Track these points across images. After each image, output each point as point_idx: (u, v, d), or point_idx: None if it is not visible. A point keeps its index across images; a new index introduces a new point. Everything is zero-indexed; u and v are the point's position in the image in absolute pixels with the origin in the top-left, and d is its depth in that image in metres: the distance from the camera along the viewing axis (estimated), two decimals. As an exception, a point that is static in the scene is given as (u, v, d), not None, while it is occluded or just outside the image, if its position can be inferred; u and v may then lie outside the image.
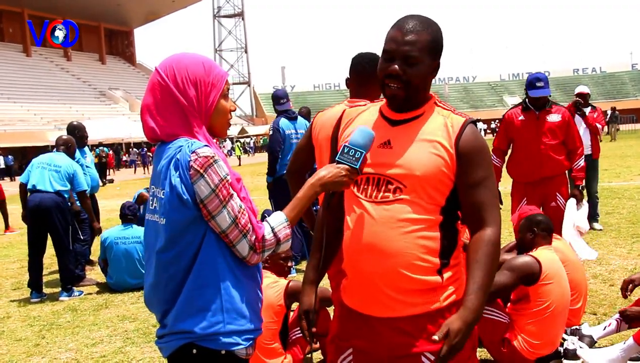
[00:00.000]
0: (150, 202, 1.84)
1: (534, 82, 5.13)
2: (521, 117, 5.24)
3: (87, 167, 7.19)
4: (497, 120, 48.41)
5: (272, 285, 3.35)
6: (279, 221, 1.83)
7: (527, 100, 5.28)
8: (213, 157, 1.72)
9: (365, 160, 1.85)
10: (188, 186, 1.71)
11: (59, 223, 6.16)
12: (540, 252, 3.61)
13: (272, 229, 1.80)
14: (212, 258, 1.74)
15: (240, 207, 1.75)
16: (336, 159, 1.88)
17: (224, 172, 1.73)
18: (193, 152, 1.71)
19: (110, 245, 6.42)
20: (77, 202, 6.68)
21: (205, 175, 1.70)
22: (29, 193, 6.23)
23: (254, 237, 1.76)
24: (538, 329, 3.48)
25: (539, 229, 3.81)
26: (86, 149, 7.54)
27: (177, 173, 1.71)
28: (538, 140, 5.12)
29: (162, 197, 1.75)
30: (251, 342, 1.82)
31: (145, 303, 1.90)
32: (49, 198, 6.08)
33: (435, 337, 1.74)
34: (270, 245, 1.79)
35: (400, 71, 1.83)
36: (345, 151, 1.87)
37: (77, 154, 7.17)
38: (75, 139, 6.84)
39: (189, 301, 1.74)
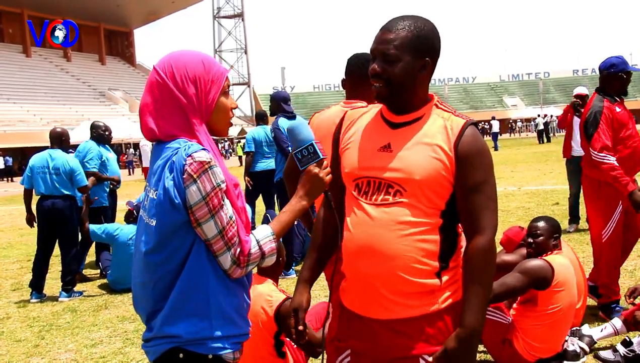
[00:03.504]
0: (145, 201, 1.81)
1: (624, 61, 4.50)
2: (618, 109, 4.56)
3: (106, 162, 7.36)
4: (483, 121, 48.24)
5: (267, 298, 3.06)
6: (264, 234, 1.79)
7: (607, 90, 4.54)
8: (209, 162, 1.68)
9: (320, 146, 1.87)
10: (180, 190, 1.67)
11: (70, 226, 6.32)
12: (553, 257, 3.54)
13: (258, 242, 1.77)
14: (202, 264, 1.71)
15: (230, 219, 1.70)
16: (300, 169, 1.89)
17: (218, 180, 1.69)
18: (189, 155, 1.67)
19: (121, 243, 6.42)
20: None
21: (198, 181, 1.66)
22: (39, 198, 6.31)
23: (239, 250, 1.72)
24: (542, 333, 3.47)
25: (559, 235, 3.75)
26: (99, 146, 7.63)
27: (171, 176, 1.68)
28: (637, 132, 4.56)
29: (155, 198, 1.72)
30: (239, 346, 1.80)
31: (133, 302, 1.87)
32: (60, 202, 6.22)
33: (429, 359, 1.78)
34: (254, 259, 1.76)
35: (380, 69, 1.83)
36: (300, 157, 1.88)
37: (102, 149, 7.34)
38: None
39: (177, 306, 1.71)
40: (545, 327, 3.46)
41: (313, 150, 1.87)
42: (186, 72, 1.74)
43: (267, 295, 3.07)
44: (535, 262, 3.46)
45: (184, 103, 1.73)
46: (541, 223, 3.71)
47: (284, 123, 6.46)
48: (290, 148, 6.31)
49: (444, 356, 1.78)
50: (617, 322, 3.80)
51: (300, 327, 1.99)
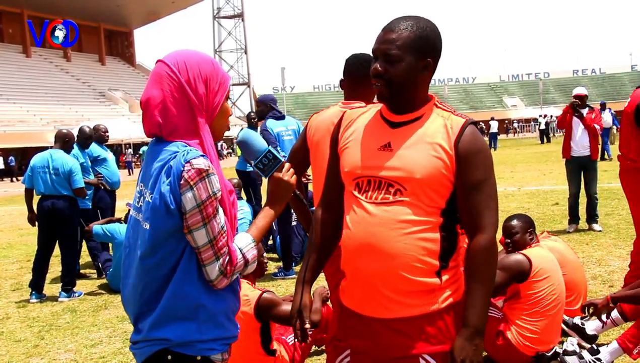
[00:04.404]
0: (137, 200, 1.79)
1: None
2: None
3: (104, 163, 7.40)
4: (482, 122, 48.05)
5: (244, 298, 3.06)
6: (246, 242, 1.80)
7: None
8: (207, 170, 1.67)
9: (276, 150, 1.91)
10: (176, 195, 1.66)
11: (70, 226, 6.35)
12: (531, 250, 3.70)
13: (241, 251, 1.77)
14: (193, 269, 1.71)
15: (222, 229, 1.71)
16: (267, 178, 1.93)
17: (214, 188, 1.68)
18: (187, 161, 1.66)
19: (120, 243, 6.41)
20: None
21: (195, 189, 1.65)
22: (39, 198, 6.33)
23: (227, 259, 1.72)
24: (531, 323, 3.55)
25: (534, 229, 3.91)
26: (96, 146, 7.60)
27: (168, 180, 1.67)
28: None
29: (150, 201, 1.71)
30: (227, 347, 1.80)
31: (122, 301, 1.87)
32: (60, 202, 6.24)
33: None
34: (239, 268, 1.76)
35: (382, 69, 1.84)
36: (262, 167, 1.91)
37: (100, 150, 7.41)
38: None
39: (167, 310, 1.71)
40: (533, 316, 3.55)
41: (272, 156, 1.90)
42: (199, 71, 1.75)
43: (243, 295, 3.07)
44: (512, 257, 3.59)
45: (193, 101, 1.73)
46: (515, 222, 3.88)
47: (272, 124, 6.49)
48: (279, 148, 6.37)
49: (452, 356, 1.78)
50: (613, 313, 3.82)
51: (307, 325, 1.99)
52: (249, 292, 3.13)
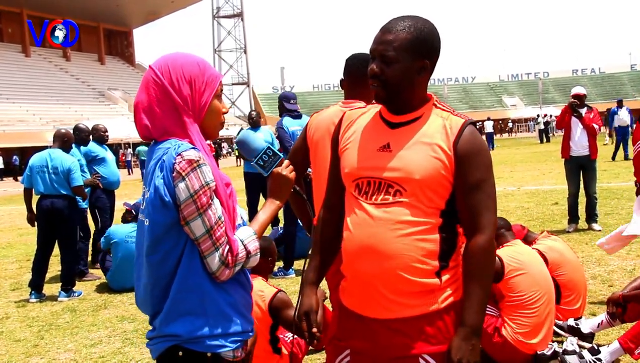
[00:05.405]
0: (142, 202, 1.83)
1: None
2: None
3: (103, 162, 7.42)
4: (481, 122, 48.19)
5: (259, 294, 3.18)
6: (247, 234, 1.81)
7: None
8: (198, 161, 1.70)
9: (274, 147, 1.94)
10: (170, 188, 1.69)
11: (70, 225, 6.34)
12: (502, 250, 3.76)
13: (242, 242, 1.78)
14: (196, 262, 1.72)
15: (219, 219, 1.72)
16: (266, 175, 1.97)
17: (207, 178, 1.71)
18: (179, 154, 1.70)
19: (119, 242, 6.43)
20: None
21: (187, 179, 1.68)
22: (38, 197, 6.33)
23: (227, 249, 1.73)
24: (521, 318, 3.60)
25: (504, 229, 3.96)
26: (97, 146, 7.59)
27: (162, 174, 1.70)
28: None
29: (148, 197, 1.75)
30: (239, 344, 1.80)
31: (137, 304, 1.90)
32: (59, 201, 6.24)
33: None
34: (241, 259, 1.77)
35: (378, 70, 1.84)
36: (262, 163, 1.96)
37: (100, 149, 7.46)
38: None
39: (175, 305, 1.73)
40: (522, 312, 3.59)
41: (272, 153, 1.96)
42: (182, 72, 1.78)
43: (258, 290, 3.17)
44: None
45: (178, 103, 1.77)
46: None
47: (288, 122, 6.46)
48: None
49: (448, 356, 1.78)
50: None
51: (314, 330, 2.00)
52: (264, 289, 3.22)
